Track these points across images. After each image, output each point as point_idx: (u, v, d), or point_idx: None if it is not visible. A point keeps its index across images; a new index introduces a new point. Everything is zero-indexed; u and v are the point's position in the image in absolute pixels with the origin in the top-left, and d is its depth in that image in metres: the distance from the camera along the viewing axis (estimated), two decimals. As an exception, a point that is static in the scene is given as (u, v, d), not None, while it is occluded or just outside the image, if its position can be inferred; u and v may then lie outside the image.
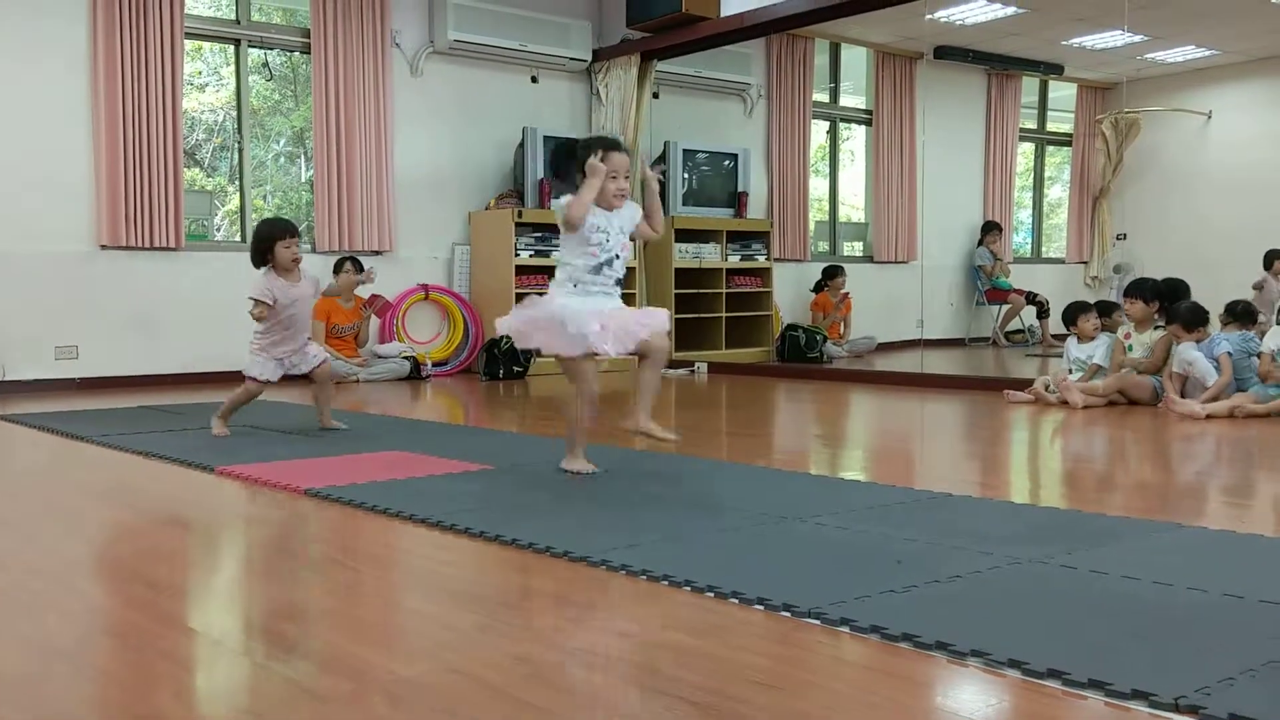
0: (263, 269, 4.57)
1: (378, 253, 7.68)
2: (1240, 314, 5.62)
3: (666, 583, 2.23)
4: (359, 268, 7.32)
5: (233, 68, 7.62)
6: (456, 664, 1.80)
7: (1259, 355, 5.27)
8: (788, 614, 2.00)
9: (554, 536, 2.60)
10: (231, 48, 7.57)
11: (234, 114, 7.62)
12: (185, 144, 7.53)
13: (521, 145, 8.01)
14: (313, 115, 7.58)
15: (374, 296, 7.39)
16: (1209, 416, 4.98)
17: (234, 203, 7.84)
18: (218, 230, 7.99)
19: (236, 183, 7.65)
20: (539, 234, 7.88)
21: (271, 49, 7.81)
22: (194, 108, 8.23)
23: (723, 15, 7.84)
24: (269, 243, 4.54)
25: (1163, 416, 5.16)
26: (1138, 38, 9.40)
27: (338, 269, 7.33)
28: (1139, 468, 4.09)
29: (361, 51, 7.63)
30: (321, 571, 2.55)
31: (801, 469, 3.84)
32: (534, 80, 8.49)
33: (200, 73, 8.38)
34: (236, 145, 7.57)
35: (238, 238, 7.60)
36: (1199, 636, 1.86)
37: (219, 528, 3.04)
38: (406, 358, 7.47)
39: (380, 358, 7.48)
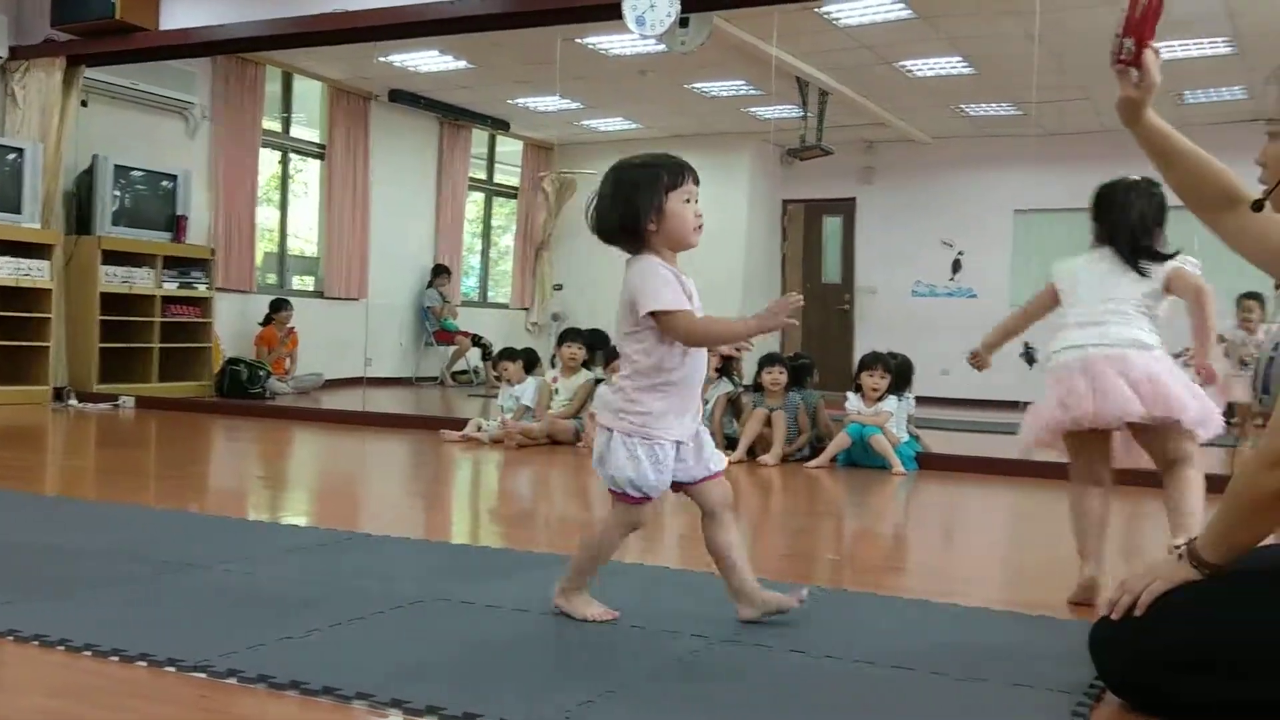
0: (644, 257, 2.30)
1: None
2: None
3: (39, 644, 2.01)
4: None
5: None
6: None
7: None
8: (173, 669, 1.89)
9: (-97, 598, 2.25)
10: None
11: None
12: None
13: (-87, 143, 6.96)
14: None
15: None
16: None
17: None
18: None
19: None
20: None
21: None
22: None
23: (163, 28, 7.38)
24: (652, 196, 2.21)
25: (581, 455, 5.58)
26: (572, 104, 10.22)
27: None
28: (556, 503, 4.39)
29: None
30: None
31: (231, 513, 3.66)
32: (-67, 71, 7.45)
33: None
34: None
35: None
36: (573, 662, 2.02)
37: None
38: None
39: None
